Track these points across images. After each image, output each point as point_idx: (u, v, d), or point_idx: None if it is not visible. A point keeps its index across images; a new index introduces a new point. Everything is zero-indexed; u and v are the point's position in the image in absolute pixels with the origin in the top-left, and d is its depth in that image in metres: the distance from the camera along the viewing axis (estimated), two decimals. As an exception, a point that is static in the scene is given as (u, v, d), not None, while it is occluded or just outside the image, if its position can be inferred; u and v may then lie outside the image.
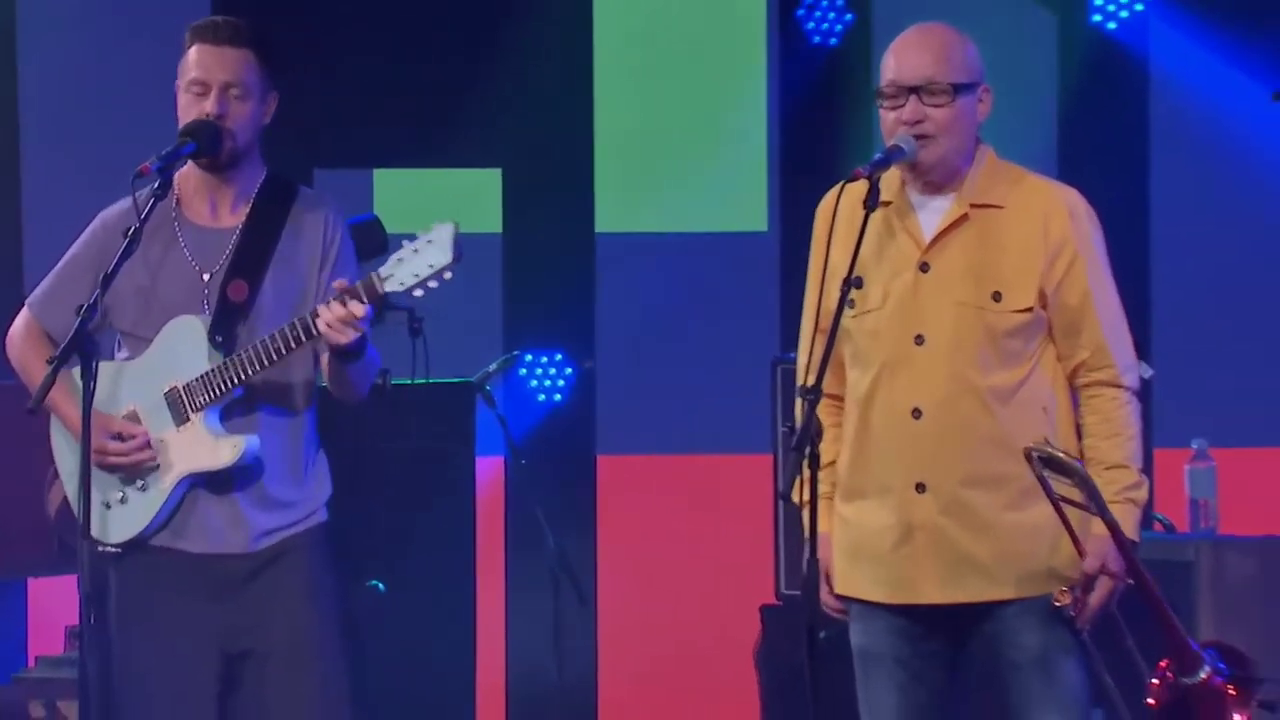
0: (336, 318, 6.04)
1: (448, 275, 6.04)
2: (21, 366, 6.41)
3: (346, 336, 6.06)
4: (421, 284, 6.06)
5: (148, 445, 6.28)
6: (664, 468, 10.49)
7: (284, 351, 6.15)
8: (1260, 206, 10.01)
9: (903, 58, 5.98)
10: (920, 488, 5.91)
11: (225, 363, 6.20)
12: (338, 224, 6.40)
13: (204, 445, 6.26)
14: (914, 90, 5.92)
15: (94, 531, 6.17)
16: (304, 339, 6.10)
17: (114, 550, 6.36)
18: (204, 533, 6.35)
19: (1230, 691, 5.98)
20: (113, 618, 6.42)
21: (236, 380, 6.20)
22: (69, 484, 6.30)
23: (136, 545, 6.36)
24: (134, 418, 6.28)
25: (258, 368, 6.18)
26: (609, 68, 10.50)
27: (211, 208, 6.36)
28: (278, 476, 6.36)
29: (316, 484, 6.46)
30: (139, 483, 6.32)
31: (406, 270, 6.04)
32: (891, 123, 5.95)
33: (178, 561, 6.37)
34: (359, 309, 6.04)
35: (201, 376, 6.24)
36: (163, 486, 6.31)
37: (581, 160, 10.43)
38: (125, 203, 6.26)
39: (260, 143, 6.41)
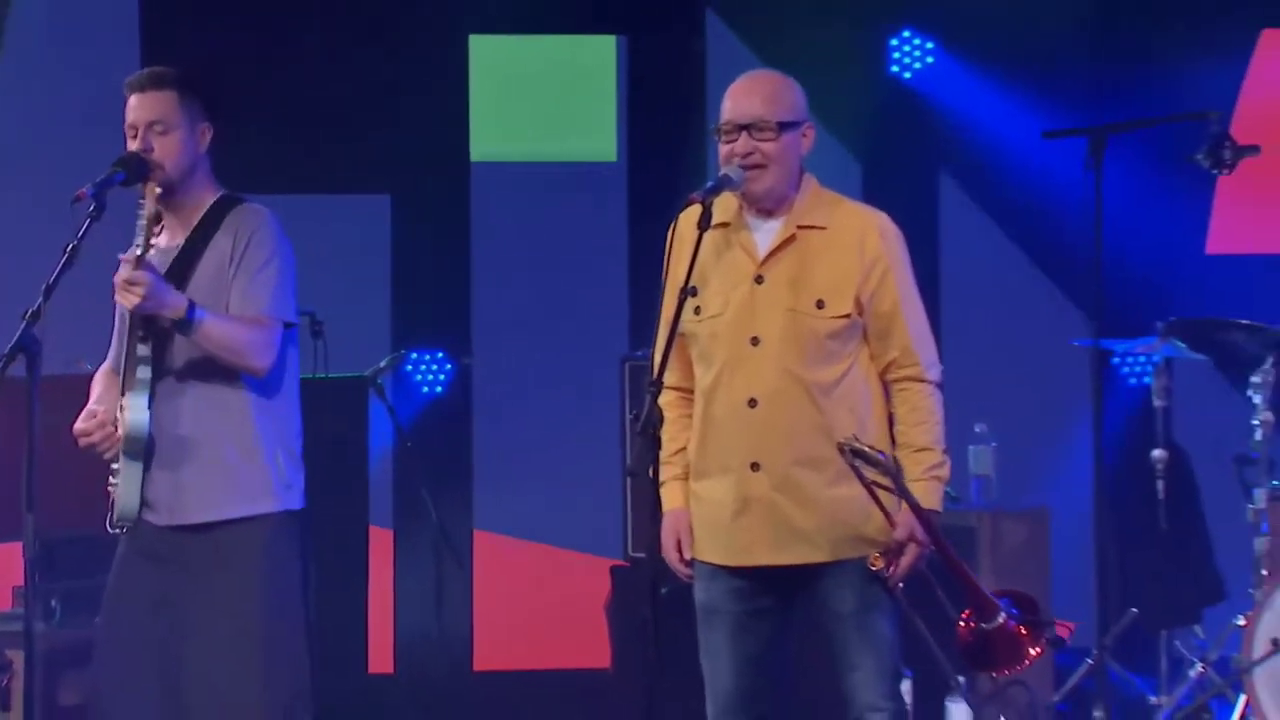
0: (118, 284, 6.08)
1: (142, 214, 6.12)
2: None
3: (128, 300, 6.06)
4: (145, 238, 6.06)
5: (108, 425, 6.23)
6: (529, 450, 10.47)
7: (142, 331, 6.16)
8: (1031, 224, 10.05)
9: (736, 100, 6.01)
10: (755, 467, 5.92)
11: (129, 352, 6.21)
12: (253, 227, 6.35)
13: (124, 424, 6.22)
14: (745, 127, 5.95)
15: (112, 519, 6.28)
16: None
17: (118, 531, 6.35)
18: (160, 506, 6.31)
19: (1023, 632, 6.00)
20: (109, 586, 6.44)
21: (138, 366, 6.20)
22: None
23: (127, 523, 6.31)
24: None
25: (145, 350, 6.18)
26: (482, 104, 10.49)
27: (170, 232, 6.30)
28: (218, 456, 6.31)
29: (273, 468, 6.40)
30: (114, 467, 6.30)
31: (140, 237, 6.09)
32: (726, 155, 5.97)
33: (145, 532, 6.33)
34: (125, 272, 6.02)
35: (125, 369, 6.22)
36: (124, 466, 6.27)
37: (460, 188, 10.40)
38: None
39: (208, 168, 6.40)
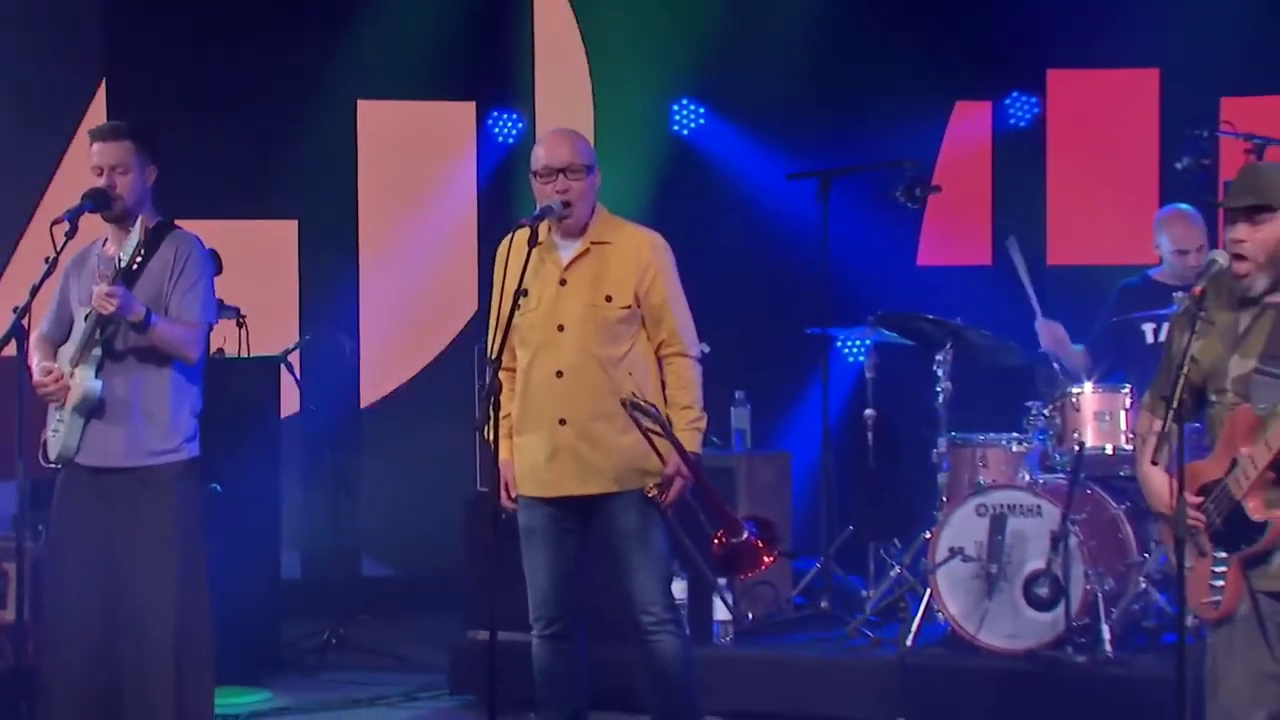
0: (97, 295, 6.06)
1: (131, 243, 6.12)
2: None
3: (105, 308, 6.05)
4: (131, 256, 6.09)
5: (60, 380, 6.21)
6: (404, 409, 10.44)
7: (100, 324, 6.14)
8: (778, 242, 9.96)
9: (551, 150, 6.04)
10: (563, 422, 5.99)
11: (88, 336, 6.19)
12: (187, 251, 6.34)
13: (77, 388, 6.19)
14: (560, 171, 5.98)
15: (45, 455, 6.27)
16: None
17: (54, 466, 6.30)
18: (95, 452, 6.27)
19: (760, 545, 6.06)
20: (54, 512, 6.39)
21: (92, 345, 6.18)
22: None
23: (65, 462, 6.28)
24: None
25: (100, 334, 6.16)
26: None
27: (118, 246, 6.26)
28: (145, 416, 6.27)
29: (181, 427, 6.38)
30: (59, 416, 6.23)
31: (126, 253, 6.10)
32: (546, 192, 6.00)
33: (82, 471, 6.29)
34: (104, 287, 6.02)
35: (82, 348, 6.20)
36: (68, 419, 6.24)
37: (350, 213, 10.35)
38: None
39: (153, 199, 6.37)
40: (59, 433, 6.23)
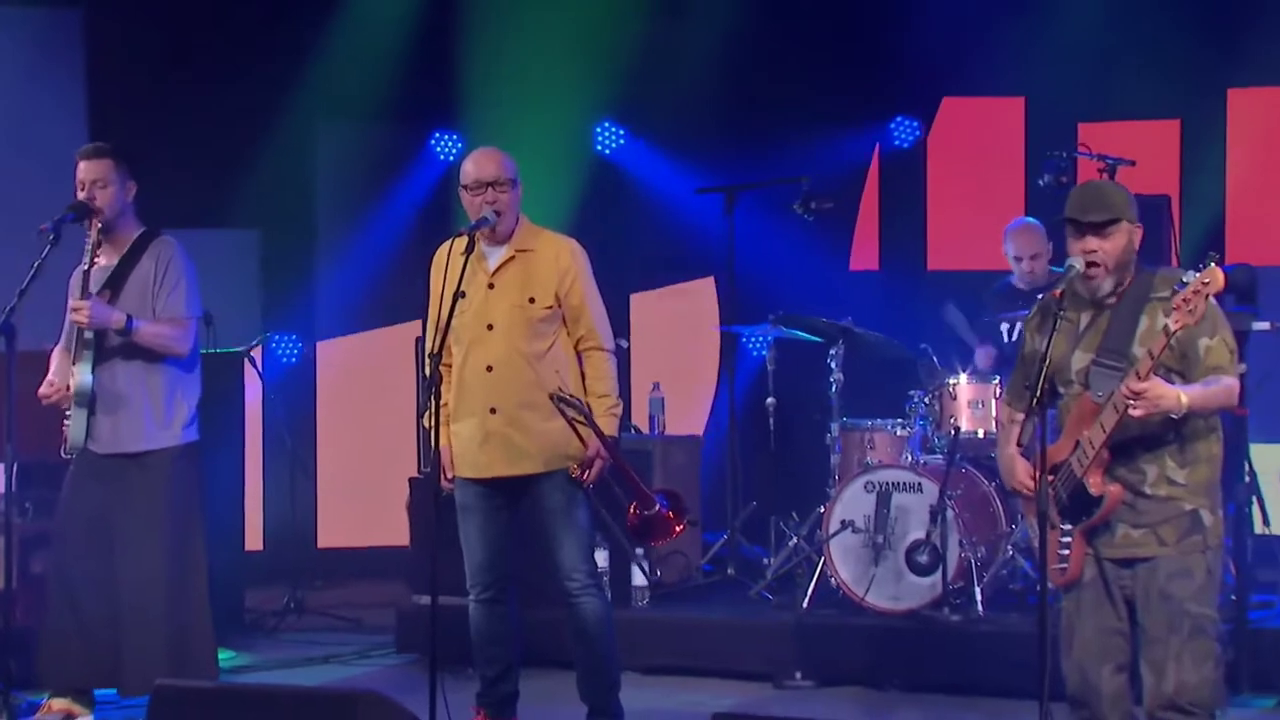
0: (70, 310, 6.17)
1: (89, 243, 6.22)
2: None
3: (79, 321, 6.14)
4: (90, 257, 6.20)
5: (59, 390, 6.28)
6: (354, 400, 10.40)
7: (87, 331, 6.18)
8: (692, 249, 9.99)
9: (480, 165, 5.99)
10: (493, 411, 5.95)
11: (79, 338, 6.23)
12: (169, 255, 6.36)
13: (75, 384, 6.24)
14: (489, 184, 5.95)
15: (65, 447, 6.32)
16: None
17: (70, 456, 6.31)
18: (100, 440, 6.27)
19: (670, 516, 6.06)
20: (63, 491, 6.44)
21: (83, 346, 6.20)
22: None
23: (77, 450, 6.28)
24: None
25: (89, 336, 6.20)
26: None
27: (107, 255, 6.32)
28: (141, 406, 6.27)
29: (177, 414, 6.37)
30: (68, 411, 6.23)
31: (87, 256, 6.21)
32: (477, 205, 5.96)
33: (91, 457, 6.27)
34: (73, 302, 6.14)
35: (75, 348, 6.22)
36: (73, 413, 6.24)
37: (309, 223, 10.29)
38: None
39: (134, 212, 6.37)
40: (69, 426, 6.24)
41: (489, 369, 5.94)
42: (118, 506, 6.27)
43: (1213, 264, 4.71)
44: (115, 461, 6.27)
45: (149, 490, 6.27)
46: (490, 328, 5.95)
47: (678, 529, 6.10)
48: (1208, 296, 4.70)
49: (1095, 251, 4.98)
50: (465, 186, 6.00)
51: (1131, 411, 4.79)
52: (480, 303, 5.96)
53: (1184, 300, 4.69)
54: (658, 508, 6.03)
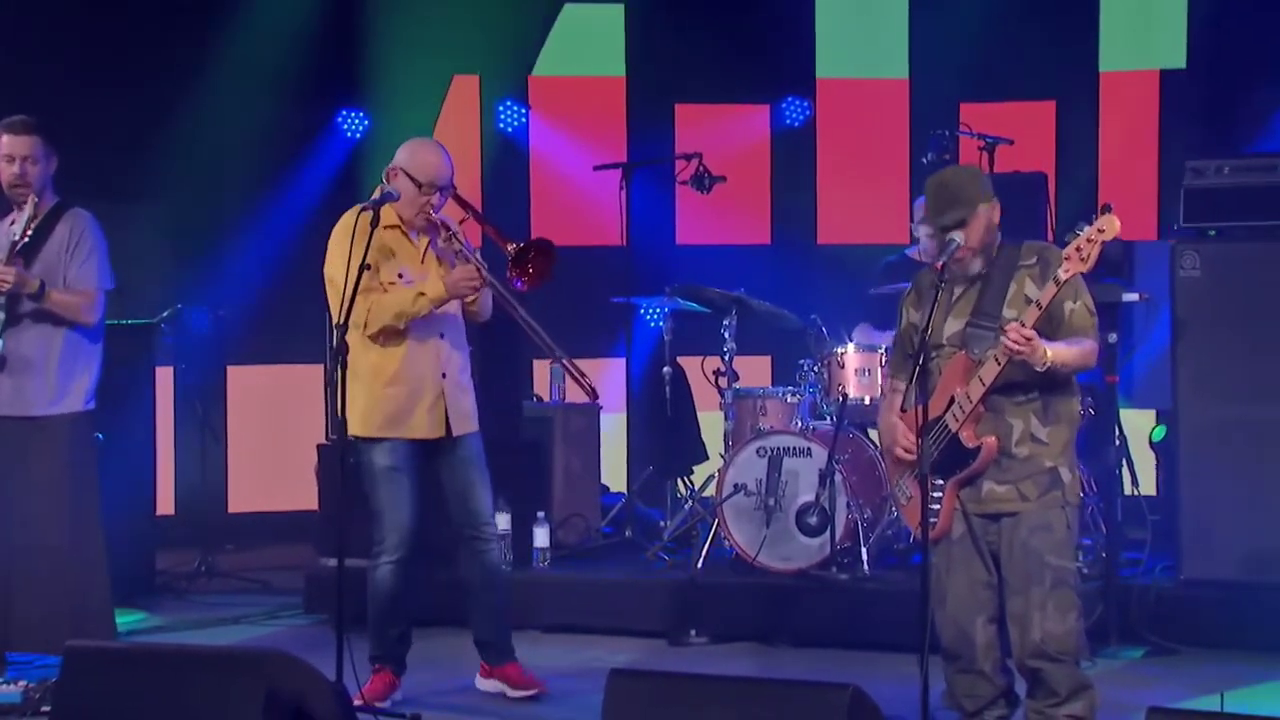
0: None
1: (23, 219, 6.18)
2: None
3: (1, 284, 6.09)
4: (22, 231, 6.13)
5: None
6: (262, 369, 10.33)
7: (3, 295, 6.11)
8: (586, 224, 9.81)
9: (447, 170, 6.10)
10: (444, 375, 6.05)
11: None
12: (82, 227, 6.32)
13: None
14: (441, 189, 6.06)
15: None
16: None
17: None
18: (4, 403, 6.23)
19: (537, 242, 6.09)
20: None
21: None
22: None
23: None
24: None
25: (2, 300, 6.12)
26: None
27: (20, 224, 6.24)
28: (46, 371, 6.22)
29: (79, 382, 6.32)
30: None
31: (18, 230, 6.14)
32: (419, 204, 6.04)
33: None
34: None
35: None
36: None
37: (217, 197, 10.18)
38: None
39: (52, 183, 6.31)
40: None
41: (441, 336, 6.06)
42: (16, 470, 6.22)
43: (1109, 212, 4.84)
44: (15, 423, 6.22)
45: (47, 454, 6.24)
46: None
47: (550, 251, 6.06)
48: (1102, 244, 4.84)
49: (956, 241, 5.12)
50: (434, 185, 6.03)
51: (1017, 354, 4.91)
52: (418, 275, 6.05)
53: (1077, 249, 4.85)
54: (517, 243, 6.03)
